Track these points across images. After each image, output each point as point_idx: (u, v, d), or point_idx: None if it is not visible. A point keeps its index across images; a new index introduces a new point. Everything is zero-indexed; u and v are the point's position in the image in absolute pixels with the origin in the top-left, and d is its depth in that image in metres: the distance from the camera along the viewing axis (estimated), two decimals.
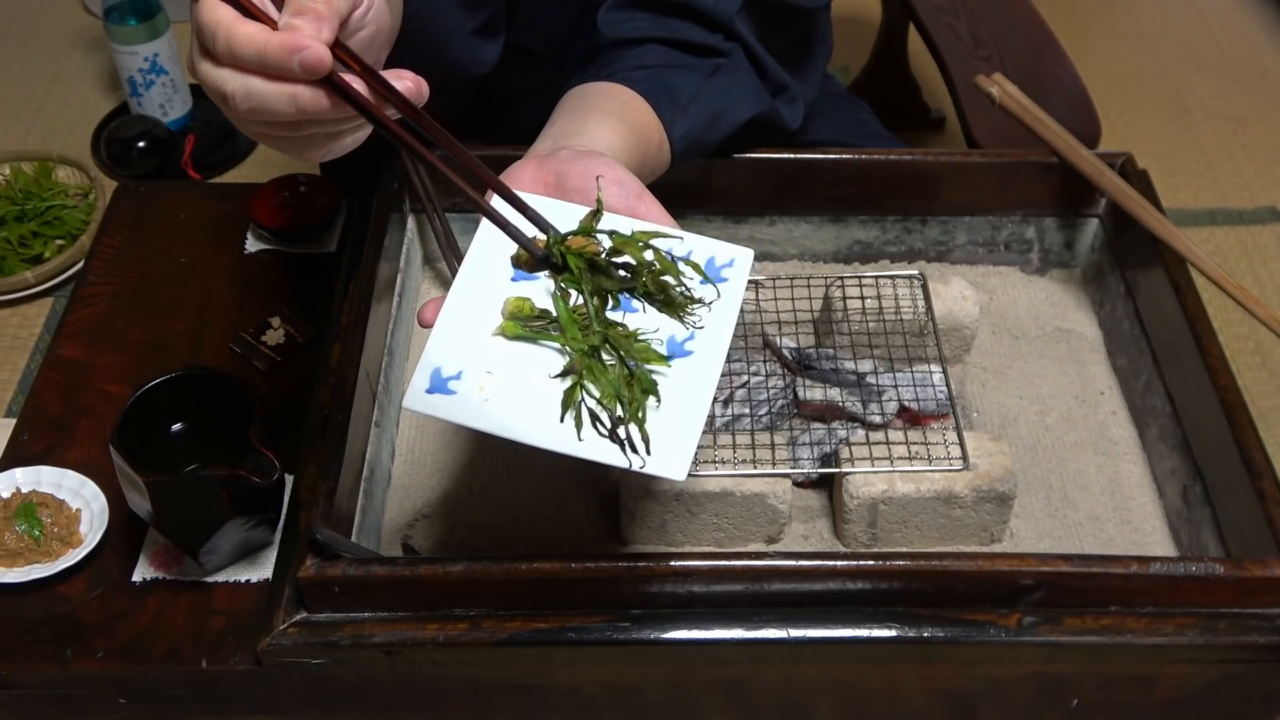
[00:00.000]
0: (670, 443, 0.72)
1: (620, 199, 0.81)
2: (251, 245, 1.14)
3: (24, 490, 0.93)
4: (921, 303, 1.08)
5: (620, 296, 0.79)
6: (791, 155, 1.15)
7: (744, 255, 0.80)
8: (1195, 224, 1.96)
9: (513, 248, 0.80)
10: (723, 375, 1.04)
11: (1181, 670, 0.88)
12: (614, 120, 0.93)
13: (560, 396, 0.74)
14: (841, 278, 1.11)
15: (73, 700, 0.88)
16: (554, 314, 0.78)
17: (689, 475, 0.94)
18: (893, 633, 0.84)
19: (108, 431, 0.85)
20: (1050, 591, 0.84)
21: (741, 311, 1.08)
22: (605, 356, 0.76)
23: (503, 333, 0.77)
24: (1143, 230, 1.09)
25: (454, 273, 0.80)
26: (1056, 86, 1.58)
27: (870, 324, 1.08)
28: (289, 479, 0.92)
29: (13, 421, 1.01)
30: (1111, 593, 0.84)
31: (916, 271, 1.10)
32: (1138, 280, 1.12)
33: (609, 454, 0.72)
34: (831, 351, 1.08)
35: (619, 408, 0.74)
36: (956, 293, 1.09)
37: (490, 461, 1.05)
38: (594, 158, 0.83)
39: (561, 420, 0.74)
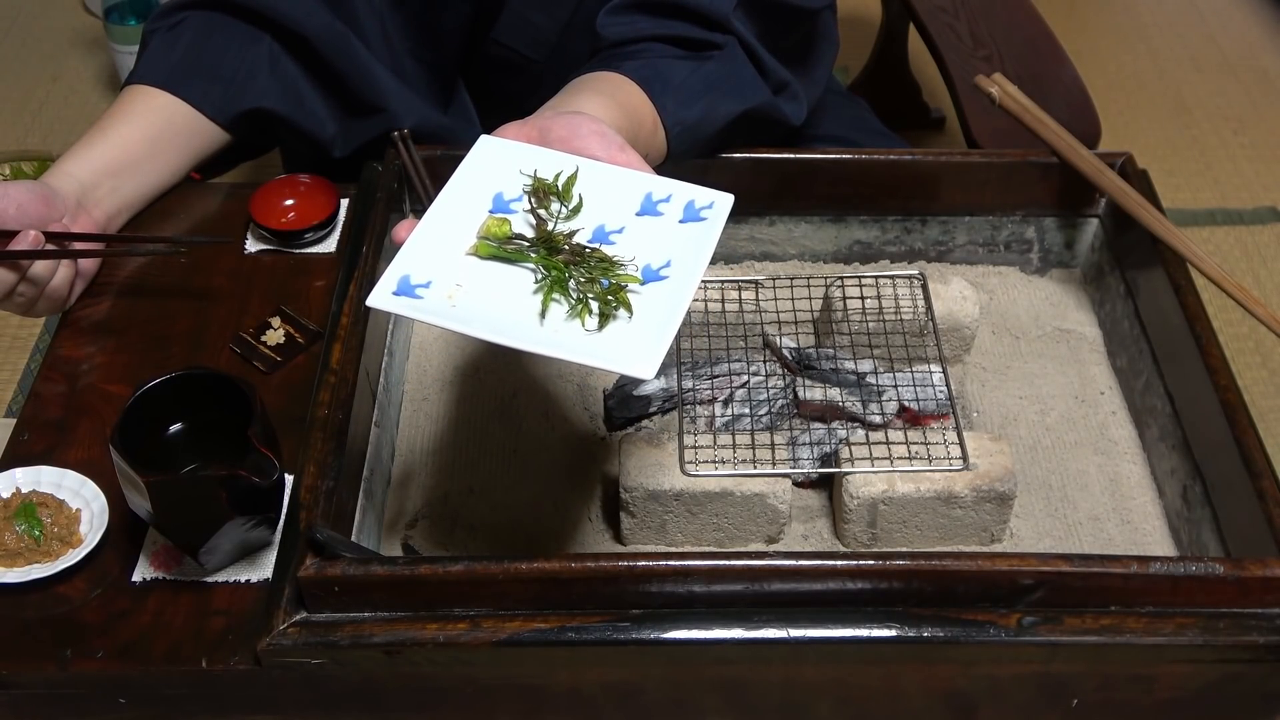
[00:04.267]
0: (641, 344, 0.73)
1: (603, 149, 0.84)
2: (251, 245, 1.14)
3: (24, 490, 0.93)
4: (921, 303, 1.08)
5: (596, 230, 0.81)
6: (792, 155, 1.15)
7: (724, 199, 0.83)
8: (1195, 224, 1.96)
9: (496, 180, 0.81)
10: (722, 375, 1.05)
11: (1181, 670, 0.88)
12: (604, 98, 0.95)
13: (528, 308, 0.76)
14: (841, 278, 1.11)
15: (73, 700, 0.88)
16: (529, 238, 0.79)
17: (690, 475, 0.95)
18: (893, 633, 0.84)
19: (108, 431, 0.85)
20: (1050, 591, 0.84)
21: (741, 311, 1.09)
22: (578, 272, 0.77)
23: (475, 252, 0.79)
24: (1143, 230, 1.09)
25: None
26: (1056, 86, 1.58)
27: (870, 324, 1.08)
28: (289, 479, 0.92)
29: (13, 421, 1.01)
30: (1111, 593, 0.84)
31: (916, 271, 1.10)
32: (1138, 280, 1.12)
33: (578, 351, 0.73)
34: (831, 351, 1.08)
35: (591, 314, 0.75)
36: (956, 293, 1.09)
37: (490, 461, 1.05)
38: (578, 115, 0.86)
39: (533, 322, 0.75)
